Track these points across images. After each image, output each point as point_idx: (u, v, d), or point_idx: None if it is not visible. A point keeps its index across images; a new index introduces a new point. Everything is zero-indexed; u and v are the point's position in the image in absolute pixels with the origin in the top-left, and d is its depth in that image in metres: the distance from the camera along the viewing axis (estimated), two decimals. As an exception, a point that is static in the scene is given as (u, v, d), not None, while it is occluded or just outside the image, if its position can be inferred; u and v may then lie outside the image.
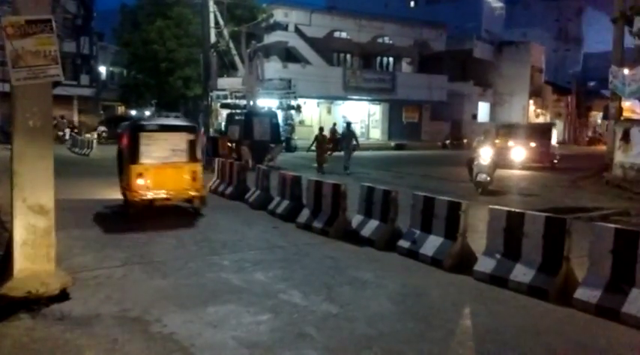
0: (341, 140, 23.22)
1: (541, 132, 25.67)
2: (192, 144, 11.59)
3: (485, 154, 15.12)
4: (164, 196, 11.14)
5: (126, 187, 11.42)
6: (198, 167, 11.68)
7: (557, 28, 67.12)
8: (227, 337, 5.29)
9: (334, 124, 31.51)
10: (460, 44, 48.07)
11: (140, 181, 10.97)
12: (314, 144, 22.84)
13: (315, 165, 21.74)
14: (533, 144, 23.88)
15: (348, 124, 23.49)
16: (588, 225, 6.49)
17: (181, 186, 11.37)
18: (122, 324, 5.54)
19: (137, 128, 11.48)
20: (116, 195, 12.43)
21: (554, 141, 25.88)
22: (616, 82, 17.40)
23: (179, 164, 11.41)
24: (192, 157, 11.59)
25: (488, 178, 15.12)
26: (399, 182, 17.85)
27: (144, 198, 10.97)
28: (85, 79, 47.37)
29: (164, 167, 11.26)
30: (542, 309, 6.14)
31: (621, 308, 5.70)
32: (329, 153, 23.64)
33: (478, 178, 15.11)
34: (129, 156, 11.27)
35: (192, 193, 11.46)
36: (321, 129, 23.45)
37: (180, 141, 11.54)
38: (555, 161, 24.73)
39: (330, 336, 5.36)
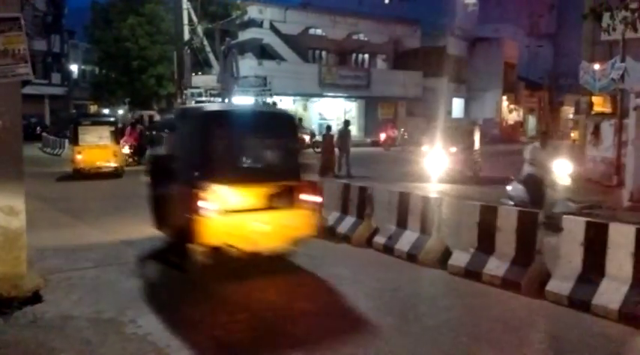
0: (342, 140, 19.50)
1: (462, 135, 18.66)
2: (113, 133, 18.22)
3: (562, 169, 10.09)
4: (95, 166, 17.57)
5: (72, 161, 17.75)
6: (118, 148, 18.31)
7: (529, 24, 67.94)
8: (204, 337, 5.26)
9: (346, 123, 21.29)
10: (434, 41, 48.25)
11: (79, 157, 17.49)
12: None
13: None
14: (453, 149, 17.59)
15: (347, 123, 21.06)
16: (559, 218, 6.59)
17: (106, 160, 17.69)
18: (96, 326, 5.47)
19: (77, 123, 18.60)
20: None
21: (477, 145, 18.68)
22: (587, 77, 17.66)
23: (104, 146, 17.77)
24: (114, 141, 18.07)
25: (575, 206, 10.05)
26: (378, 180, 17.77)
27: (82, 167, 17.47)
28: (56, 77, 46.59)
29: (95, 148, 17.60)
30: (515, 302, 6.23)
31: (592, 300, 5.80)
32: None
33: (560, 208, 9.33)
34: (72, 141, 18.18)
35: (114, 165, 17.85)
36: (328, 128, 20.58)
37: (105, 131, 18.12)
38: (478, 170, 18.17)
39: (307, 333, 5.38)
